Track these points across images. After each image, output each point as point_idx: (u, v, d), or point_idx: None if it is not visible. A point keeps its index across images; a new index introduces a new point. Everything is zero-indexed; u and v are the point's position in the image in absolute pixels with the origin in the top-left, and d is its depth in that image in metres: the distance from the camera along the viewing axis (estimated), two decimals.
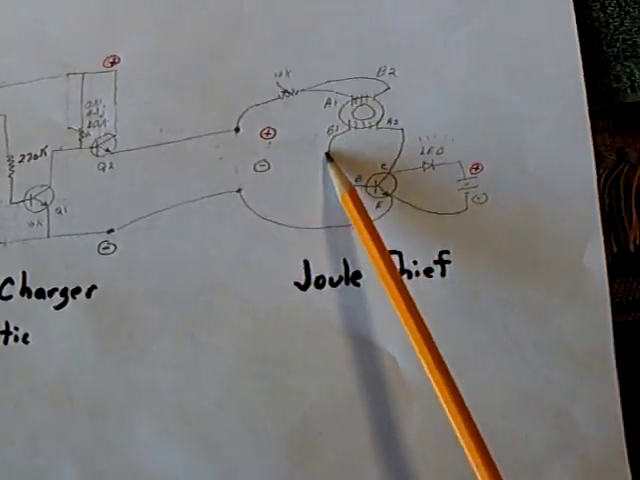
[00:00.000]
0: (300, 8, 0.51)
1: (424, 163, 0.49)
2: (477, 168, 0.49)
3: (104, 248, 0.50)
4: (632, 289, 0.50)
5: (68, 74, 0.52)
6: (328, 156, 0.49)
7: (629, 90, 0.50)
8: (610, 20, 0.51)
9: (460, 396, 0.42)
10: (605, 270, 0.48)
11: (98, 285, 0.50)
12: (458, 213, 0.49)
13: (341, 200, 0.48)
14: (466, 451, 0.42)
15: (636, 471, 0.49)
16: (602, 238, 0.48)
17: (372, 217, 0.48)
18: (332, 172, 0.48)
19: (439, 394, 0.43)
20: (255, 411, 0.48)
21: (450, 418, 0.42)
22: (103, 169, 0.51)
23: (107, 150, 0.51)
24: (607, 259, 0.49)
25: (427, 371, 0.43)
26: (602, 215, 0.49)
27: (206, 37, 0.51)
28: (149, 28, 0.52)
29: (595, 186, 0.49)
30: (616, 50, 0.50)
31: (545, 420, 0.47)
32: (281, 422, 0.48)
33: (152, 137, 0.51)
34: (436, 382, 0.43)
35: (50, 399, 0.49)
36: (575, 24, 0.50)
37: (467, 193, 0.49)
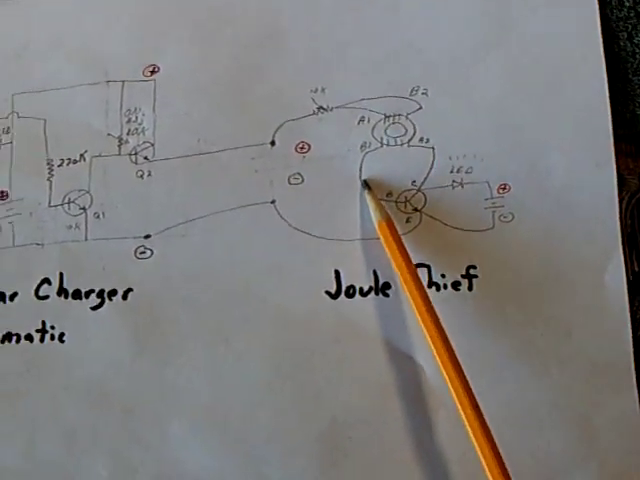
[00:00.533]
0: (336, 26, 0.53)
1: (453, 181, 0.51)
2: (504, 188, 0.51)
3: (141, 253, 0.52)
4: None
5: (108, 81, 0.54)
6: (366, 184, 0.51)
7: None
8: (637, 50, 0.53)
9: (478, 407, 0.45)
10: (625, 288, 0.50)
11: (134, 288, 0.52)
12: (485, 230, 0.51)
13: (377, 227, 0.50)
14: (483, 463, 0.44)
15: None
16: (622, 258, 0.51)
17: (402, 231, 0.51)
18: (369, 200, 0.51)
19: (458, 405, 0.46)
20: (286, 413, 0.50)
21: (468, 428, 0.45)
22: (141, 176, 0.52)
23: (145, 158, 0.53)
24: (628, 277, 0.51)
25: (448, 383, 0.46)
26: (623, 236, 0.51)
27: (243, 51, 0.53)
28: (188, 39, 0.54)
29: (617, 209, 0.51)
30: None
31: (567, 430, 0.49)
32: (311, 425, 0.50)
33: (190, 147, 0.52)
34: (456, 393, 0.46)
35: (85, 397, 0.51)
36: (603, 53, 0.52)
37: (494, 212, 0.51)
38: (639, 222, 0.52)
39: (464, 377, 0.46)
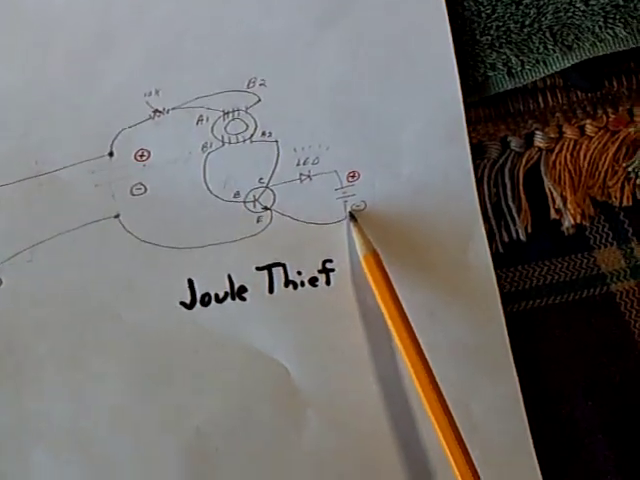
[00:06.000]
0: (165, 24, 0.52)
1: (301, 174, 0.50)
2: (354, 176, 0.50)
3: None
4: (528, 277, 0.51)
5: None
6: (352, 216, 0.51)
7: (507, 77, 0.51)
8: (482, 8, 0.51)
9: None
10: (491, 265, 0.50)
11: None
12: (338, 222, 0.50)
13: (363, 261, 0.50)
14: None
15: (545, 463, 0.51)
16: (484, 234, 0.50)
17: (253, 232, 0.50)
18: (355, 232, 0.50)
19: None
20: (149, 431, 0.51)
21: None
22: None
23: None
24: (498, 249, 0.50)
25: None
26: (486, 209, 0.50)
27: (73, 59, 0.52)
28: (19, 53, 0.52)
29: (473, 184, 0.50)
30: (490, 38, 0.51)
31: None
32: (175, 440, 0.51)
33: (28, 170, 0.51)
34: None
35: None
36: (447, 16, 0.50)
37: (345, 202, 0.50)
38: (504, 190, 0.51)
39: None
